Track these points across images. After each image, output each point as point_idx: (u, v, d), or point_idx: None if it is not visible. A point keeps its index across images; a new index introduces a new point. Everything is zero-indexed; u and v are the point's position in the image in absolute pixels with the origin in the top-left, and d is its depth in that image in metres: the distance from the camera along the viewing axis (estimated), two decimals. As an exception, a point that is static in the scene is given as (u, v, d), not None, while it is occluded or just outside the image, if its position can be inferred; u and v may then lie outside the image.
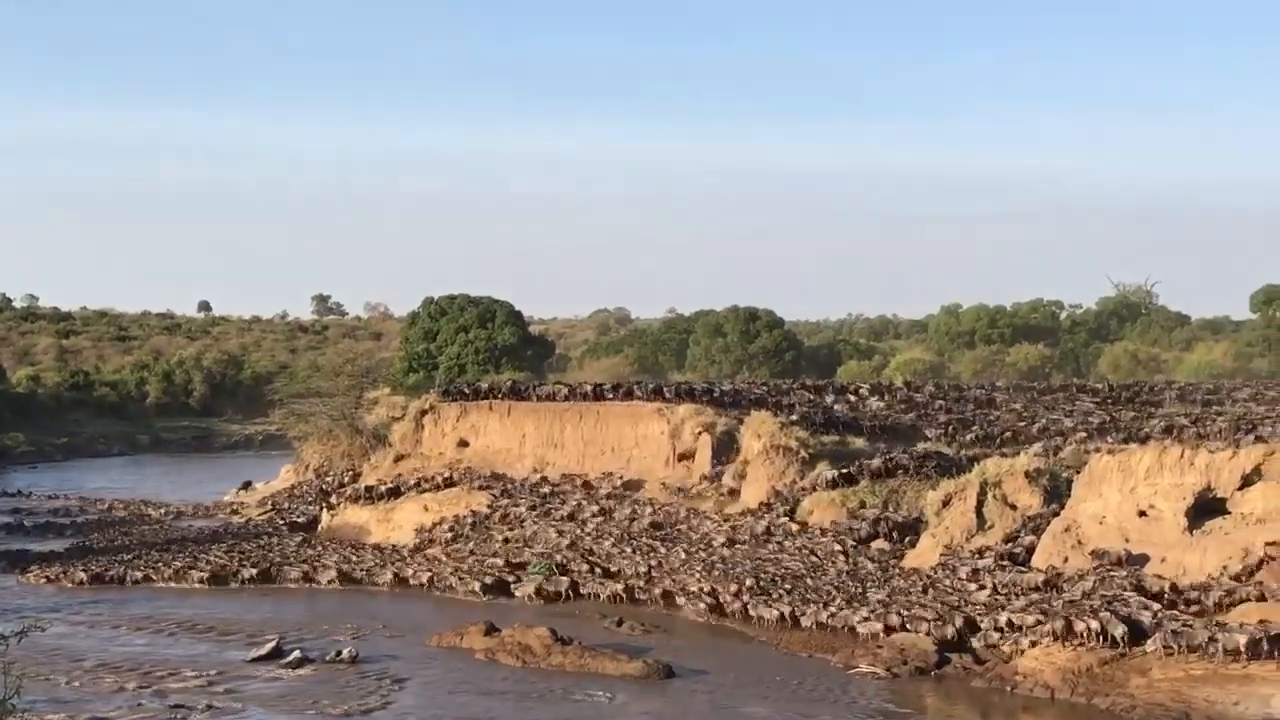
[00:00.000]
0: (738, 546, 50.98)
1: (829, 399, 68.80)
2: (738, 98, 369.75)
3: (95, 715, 33.26)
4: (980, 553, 44.98)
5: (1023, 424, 61.86)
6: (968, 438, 59.64)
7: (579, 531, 55.42)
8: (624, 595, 47.51)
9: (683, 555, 50.58)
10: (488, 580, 50.31)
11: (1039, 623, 37.29)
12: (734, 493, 56.99)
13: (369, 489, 66.60)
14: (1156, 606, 37.00)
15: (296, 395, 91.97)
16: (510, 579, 50.25)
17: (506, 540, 55.72)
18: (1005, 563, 43.51)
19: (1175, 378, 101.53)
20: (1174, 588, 38.52)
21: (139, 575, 53.56)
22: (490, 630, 41.47)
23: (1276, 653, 32.90)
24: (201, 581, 52.76)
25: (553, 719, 33.60)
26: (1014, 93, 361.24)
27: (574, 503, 59.07)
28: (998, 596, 40.92)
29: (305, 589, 52.00)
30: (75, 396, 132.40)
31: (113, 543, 62.45)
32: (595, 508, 57.95)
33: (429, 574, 51.89)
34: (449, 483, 64.15)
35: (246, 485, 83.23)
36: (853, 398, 69.72)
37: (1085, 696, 34.05)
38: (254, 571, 53.29)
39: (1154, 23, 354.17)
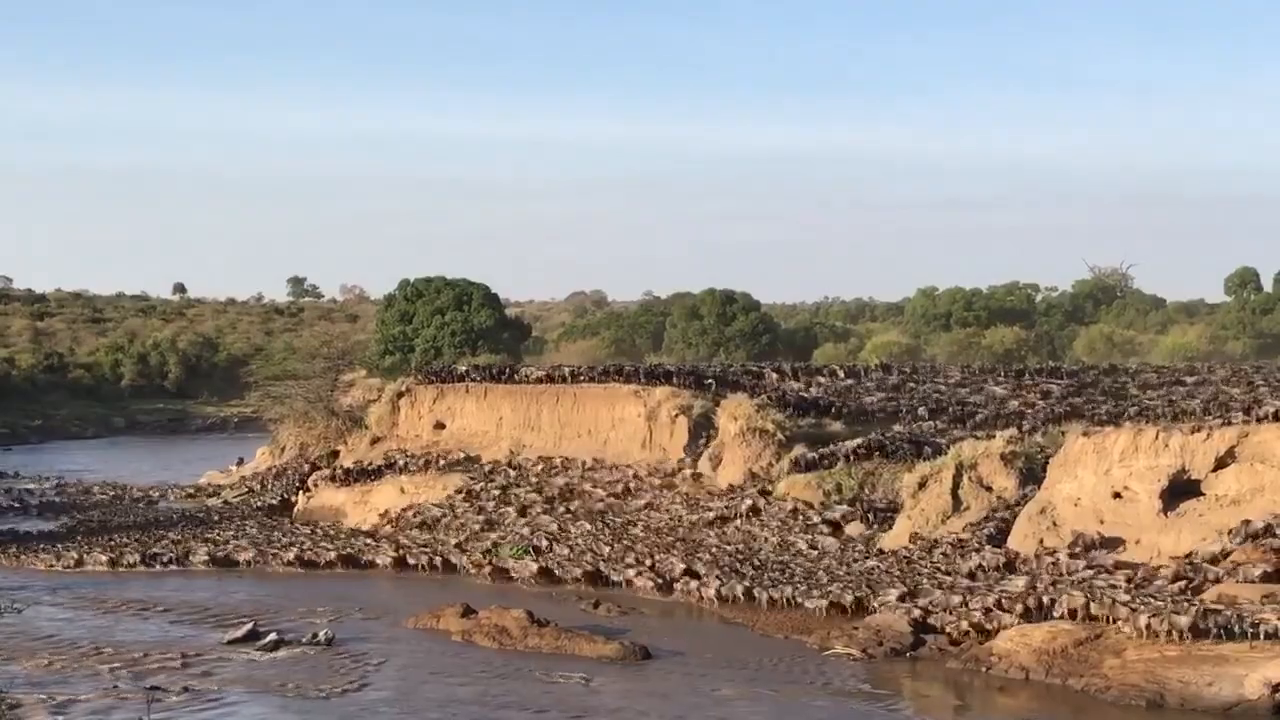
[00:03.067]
0: (711, 528, 51.12)
1: (805, 381, 68.80)
2: (714, 81, 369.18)
3: (72, 697, 33.21)
4: (956, 535, 45.19)
5: (991, 409, 61.70)
6: (940, 421, 59.60)
7: (554, 514, 55.47)
8: (598, 577, 47.56)
9: (656, 537, 50.74)
10: (463, 561, 50.42)
11: (1000, 605, 37.58)
12: (710, 475, 57.03)
13: (345, 471, 66.56)
14: (1129, 587, 37.28)
15: (272, 378, 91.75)
16: (486, 561, 50.28)
17: (482, 523, 55.76)
18: (980, 544, 43.74)
19: (1149, 360, 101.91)
20: (1148, 568, 38.81)
21: (114, 557, 53.46)
22: (467, 612, 41.51)
23: (1249, 633, 33.14)
24: (175, 562, 52.78)
25: (530, 700, 33.64)
26: (992, 75, 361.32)
27: (550, 485, 59.08)
28: (973, 580, 41.12)
29: (283, 572, 51.95)
30: (50, 379, 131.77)
31: (101, 524, 62.33)
32: (571, 490, 57.97)
33: (405, 555, 51.91)
34: (426, 465, 64.13)
35: (240, 461, 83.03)
36: (828, 380, 69.73)
37: (1060, 677, 34.23)
38: (251, 554, 53.40)
39: (1131, 6, 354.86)
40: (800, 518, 50.64)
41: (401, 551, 52.47)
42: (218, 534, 58.27)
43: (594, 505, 56.10)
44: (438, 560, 51.18)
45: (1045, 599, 37.05)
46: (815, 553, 46.97)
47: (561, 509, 56.09)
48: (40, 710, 32.02)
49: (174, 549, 54.56)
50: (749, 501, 52.56)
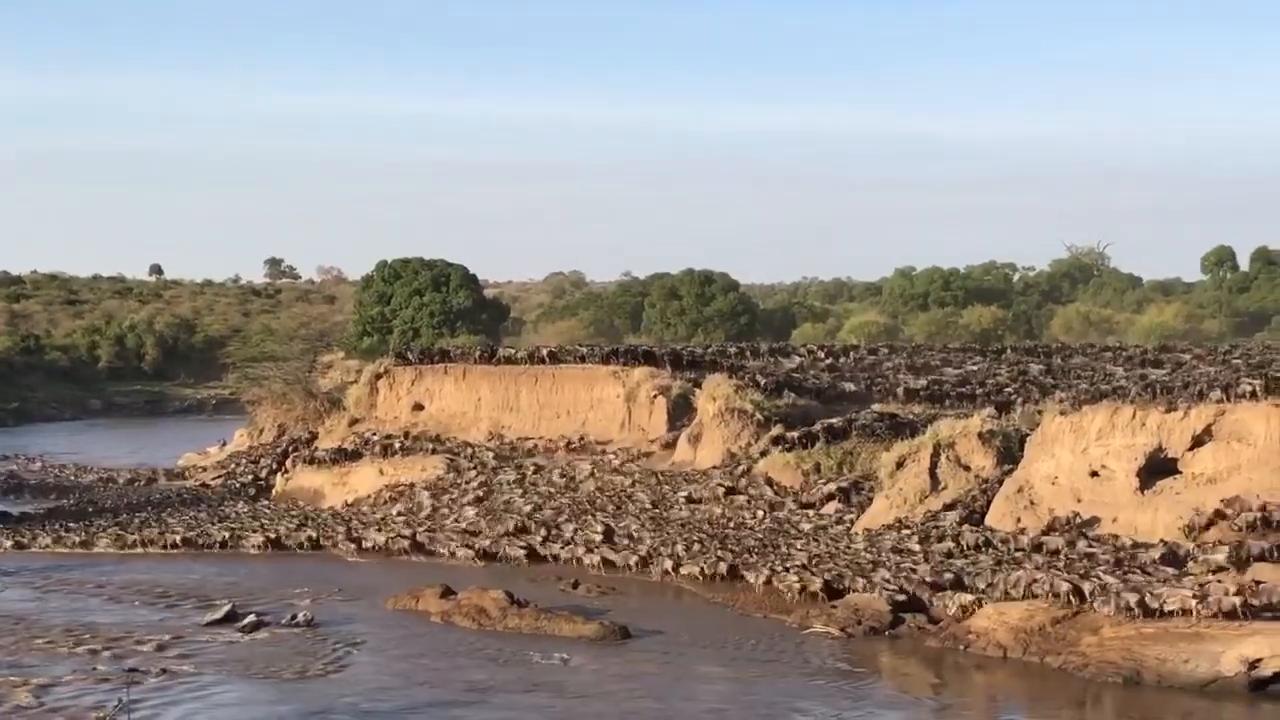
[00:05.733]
0: (689, 507, 51.15)
1: (784, 361, 68.91)
2: (693, 62, 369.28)
3: (50, 679, 33.11)
4: (932, 513, 45.31)
5: (969, 386, 61.82)
6: (918, 401, 59.74)
7: (533, 495, 55.48)
8: (578, 558, 47.56)
9: (636, 516, 50.80)
10: (439, 543, 50.45)
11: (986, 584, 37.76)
12: (689, 455, 57.07)
13: (324, 452, 66.45)
14: (1107, 565, 37.46)
15: (250, 359, 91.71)
16: (464, 542, 50.25)
17: (462, 503, 55.73)
18: (958, 523, 43.88)
19: (1126, 339, 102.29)
20: (1125, 546, 38.98)
21: (95, 538, 53.42)
22: (446, 593, 41.50)
23: (1225, 611, 33.30)
24: (150, 544, 52.75)
25: (509, 681, 33.63)
26: (970, 56, 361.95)
27: (529, 466, 59.06)
28: (949, 558, 41.25)
29: (261, 553, 51.89)
30: (26, 361, 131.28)
31: (76, 507, 62.21)
32: (550, 471, 57.96)
33: (384, 537, 51.87)
34: (405, 447, 64.04)
35: (224, 443, 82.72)
36: (806, 359, 69.85)
37: (1038, 655, 34.36)
38: (224, 536, 53.38)
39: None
40: (778, 497, 50.71)
41: (379, 532, 52.41)
42: (195, 515, 58.17)
43: (572, 486, 56.07)
44: (419, 541, 51.11)
45: (1023, 577, 37.16)
46: (794, 531, 47.05)
47: (540, 489, 56.07)
48: (18, 692, 31.92)
49: (150, 530, 54.43)
50: (728, 481, 52.64)
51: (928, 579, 39.26)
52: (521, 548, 48.65)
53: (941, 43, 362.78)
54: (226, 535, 53.30)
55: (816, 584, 40.33)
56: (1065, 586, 35.79)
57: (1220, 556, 36.50)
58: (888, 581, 39.57)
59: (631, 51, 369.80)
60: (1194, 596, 33.54)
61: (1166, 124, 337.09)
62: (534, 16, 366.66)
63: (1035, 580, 36.81)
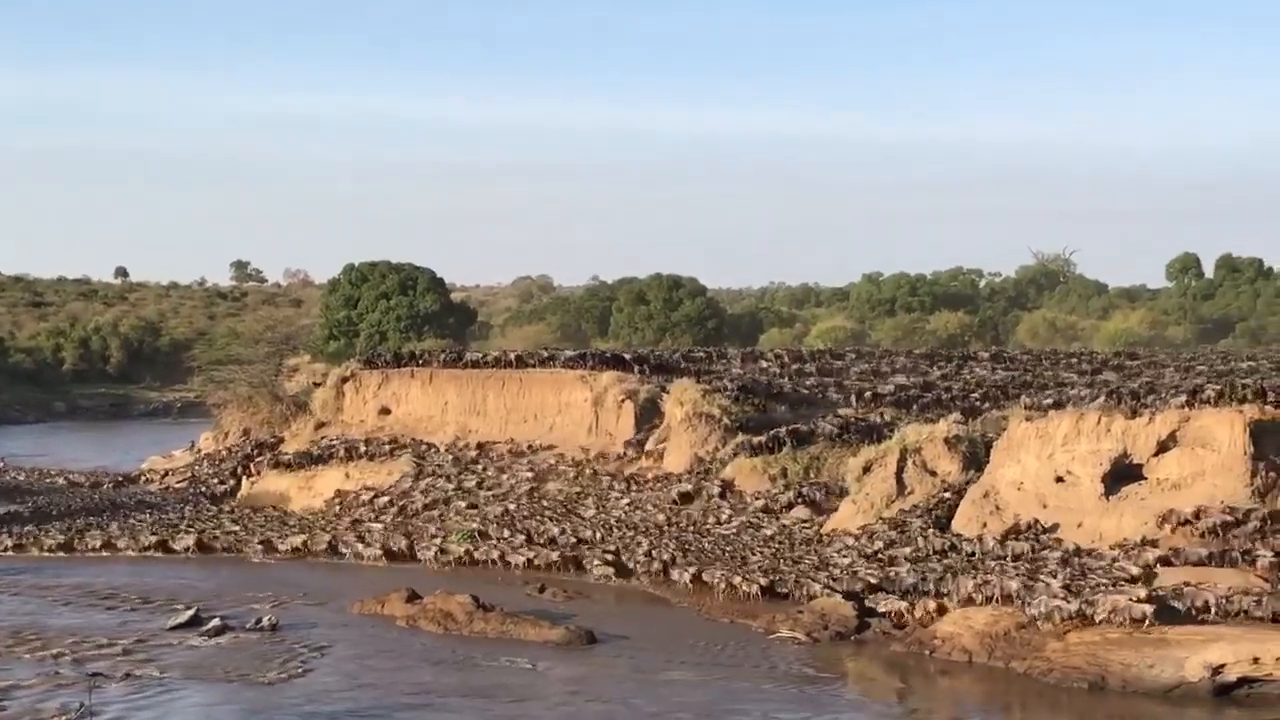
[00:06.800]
0: (655, 512, 51.15)
1: (751, 366, 68.91)
2: (662, 66, 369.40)
3: (12, 682, 32.90)
4: (899, 518, 45.38)
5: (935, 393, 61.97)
6: (885, 406, 59.81)
7: (500, 499, 55.39)
8: (544, 562, 47.51)
9: (602, 522, 50.79)
10: (405, 547, 50.39)
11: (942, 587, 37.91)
12: (657, 460, 57.03)
13: (290, 456, 66.13)
14: (1070, 571, 37.60)
15: (215, 362, 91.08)
16: (430, 546, 50.17)
17: (427, 507, 55.62)
18: (925, 528, 43.96)
19: (1092, 345, 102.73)
20: (1090, 552, 39.11)
21: (55, 543, 53.14)
22: (412, 597, 41.38)
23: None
24: (107, 548, 52.56)
25: (475, 686, 33.58)
26: (935, 62, 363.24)
27: (495, 470, 58.95)
28: (915, 563, 41.32)
29: (226, 558, 51.71)
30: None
31: (34, 511, 61.70)
32: (517, 475, 57.85)
33: (348, 541, 51.77)
34: (370, 450, 63.79)
35: (193, 446, 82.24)
36: (774, 364, 69.85)
37: (1003, 660, 34.47)
38: (190, 540, 53.23)
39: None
40: (745, 501, 50.74)
41: (345, 536, 52.30)
42: (158, 519, 57.82)
43: (538, 490, 56.00)
44: (387, 545, 51.01)
45: (988, 582, 37.25)
46: (760, 536, 47.08)
47: (507, 494, 55.98)
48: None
49: (112, 535, 54.13)
50: (694, 486, 52.63)
51: (878, 581, 39.51)
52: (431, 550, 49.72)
53: (908, 48, 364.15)
54: (194, 541, 53.09)
55: (781, 587, 40.46)
56: (1015, 587, 36.04)
57: (1189, 559, 36.75)
58: (832, 583, 39.88)
59: (599, 54, 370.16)
60: (1156, 601, 33.75)
61: (1132, 131, 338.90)
62: (500, 18, 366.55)
63: (987, 583, 37.00)
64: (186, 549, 52.48)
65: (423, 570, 48.31)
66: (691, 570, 43.65)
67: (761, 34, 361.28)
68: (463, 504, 55.38)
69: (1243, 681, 31.67)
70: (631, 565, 45.73)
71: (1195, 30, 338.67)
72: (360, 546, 51.17)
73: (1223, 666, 31.72)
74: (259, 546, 52.33)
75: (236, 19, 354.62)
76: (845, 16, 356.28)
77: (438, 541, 50.58)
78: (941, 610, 37.19)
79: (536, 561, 47.60)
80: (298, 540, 52.38)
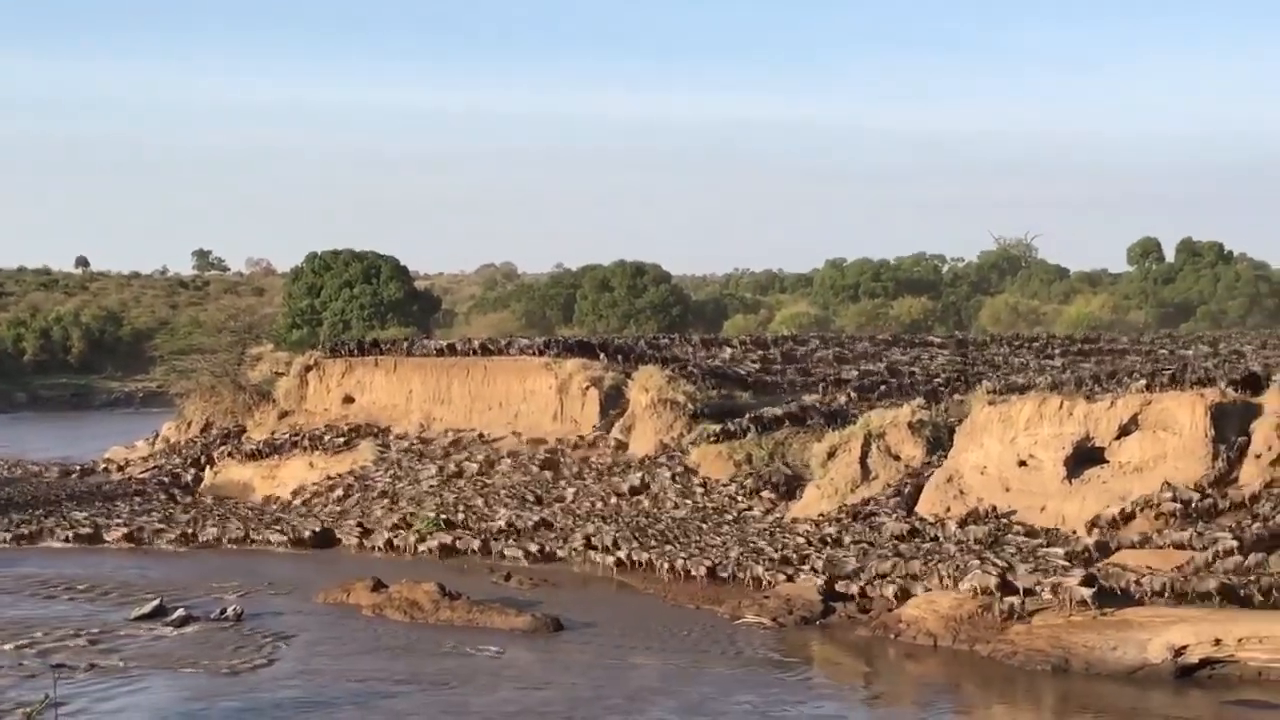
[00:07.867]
0: (621, 499, 51.26)
1: (716, 352, 69.04)
2: (623, 50, 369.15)
3: (-26, 677, 32.75)
4: (862, 503, 45.57)
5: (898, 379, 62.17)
6: (849, 391, 60.00)
7: (465, 486, 55.40)
8: (509, 550, 47.54)
9: (567, 508, 50.88)
10: (371, 536, 50.33)
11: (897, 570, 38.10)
12: (622, 446, 57.12)
13: (253, 446, 65.93)
14: (1033, 555, 37.84)
15: (178, 352, 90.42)
16: (396, 536, 50.16)
17: (392, 496, 55.59)
18: (889, 512, 44.14)
19: (1053, 329, 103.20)
20: (1052, 535, 39.39)
21: (20, 533, 52.90)
22: (377, 586, 41.35)
23: (1150, 598, 33.75)
24: (77, 540, 52.28)
25: (442, 674, 33.57)
26: (896, 45, 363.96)
27: (461, 458, 58.91)
28: (879, 548, 41.51)
29: (189, 548, 51.54)
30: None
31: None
32: (482, 463, 57.84)
33: (313, 530, 51.73)
34: (334, 439, 63.66)
35: (156, 436, 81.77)
36: (738, 350, 70.01)
37: (967, 643, 34.66)
38: (125, 531, 52.98)
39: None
40: (710, 487, 50.88)
41: (310, 526, 52.24)
42: (119, 509, 57.58)
43: (504, 477, 56.01)
44: (355, 535, 51.00)
45: (951, 567, 37.45)
46: (725, 521, 47.22)
47: (473, 482, 55.98)
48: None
49: (76, 525, 53.89)
50: (659, 472, 52.75)
51: (840, 566, 39.78)
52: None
53: (871, 32, 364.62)
54: (156, 531, 52.97)
55: (746, 572, 40.66)
56: (992, 579, 36.19)
57: (1151, 542, 37.03)
58: (788, 567, 40.34)
59: (559, 40, 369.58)
60: (1118, 583, 34.01)
61: (1093, 116, 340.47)
62: (460, 5, 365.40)
63: (946, 566, 37.28)
64: (147, 539, 52.23)
65: (386, 558, 48.32)
66: (648, 555, 43.81)
67: (723, 17, 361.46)
68: (425, 491, 55.35)
69: (1205, 663, 31.91)
70: (597, 551, 45.73)
71: (1158, 15, 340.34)
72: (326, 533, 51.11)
73: (1185, 648, 31.96)
74: (219, 536, 52.11)
75: (195, 7, 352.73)
76: (807, 1, 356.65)
77: (401, 531, 50.58)
78: (905, 595, 37.36)
79: (501, 549, 47.63)
80: (256, 530, 52.21)
